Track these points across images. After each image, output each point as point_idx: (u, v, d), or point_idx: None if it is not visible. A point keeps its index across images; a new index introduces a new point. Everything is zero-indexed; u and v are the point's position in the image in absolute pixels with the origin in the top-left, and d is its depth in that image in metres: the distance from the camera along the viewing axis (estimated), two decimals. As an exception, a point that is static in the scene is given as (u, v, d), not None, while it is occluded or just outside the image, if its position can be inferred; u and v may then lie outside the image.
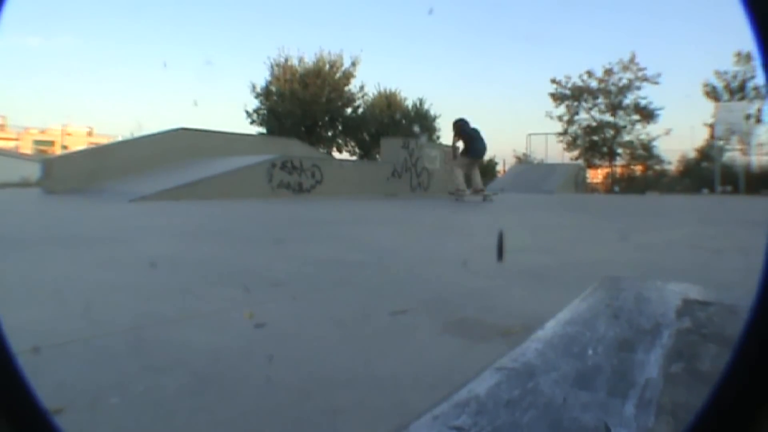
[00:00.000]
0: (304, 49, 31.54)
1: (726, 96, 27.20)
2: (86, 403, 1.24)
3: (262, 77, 27.86)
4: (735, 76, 26.95)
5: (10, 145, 47.47)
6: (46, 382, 1.36)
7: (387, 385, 1.35)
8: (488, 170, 34.03)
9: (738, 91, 26.88)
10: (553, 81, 30.15)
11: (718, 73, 27.29)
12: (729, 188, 23.70)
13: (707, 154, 28.04)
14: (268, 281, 2.64)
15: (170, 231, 5.17)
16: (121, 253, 3.58)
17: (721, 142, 25.84)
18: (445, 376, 1.42)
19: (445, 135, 28.52)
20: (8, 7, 0.51)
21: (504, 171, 28.76)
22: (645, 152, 29.93)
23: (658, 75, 28.59)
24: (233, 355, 1.57)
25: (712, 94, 27.78)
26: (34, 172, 21.46)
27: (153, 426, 1.13)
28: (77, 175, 10.74)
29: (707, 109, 29.31)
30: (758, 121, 25.89)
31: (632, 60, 28.61)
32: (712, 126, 26.67)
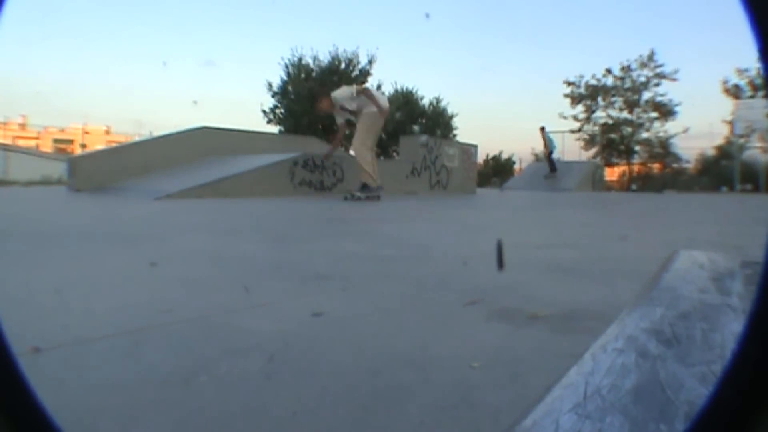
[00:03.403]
0: (318, 48, 31.60)
1: (749, 92, 27.01)
2: (180, 380, 1.38)
3: (275, 76, 27.90)
4: (759, 73, 26.72)
5: (31, 144, 48.17)
6: (138, 363, 1.51)
7: (446, 365, 1.49)
8: (505, 168, 34.12)
9: (762, 87, 26.68)
10: (567, 82, 30.10)
11: (740, 71, 27.09)
12: (749, 186, 23.57)
13: (726, 151, 27.89)
14: (313, 275, 2.79)
15: (202, 228, 5.33)
16: (161, 249, 3.73)
17: (741, 140, 25.68)
18: (498, 357, 1.56)
19: (462, 133, 28.60)
20: (8, 8, 0.50)
21: (521, 169, 28.78)
22: (663, 150, 29.82)
23: (676, 71, 28.47)
24: (300, 340, 1.71)
25: (732, 91, 27.59)
26: (54, 170, 21.83)
27: (244, 400, 1.27)
28: (102, 174, 10.95)
29: (726, 106, 29.08)
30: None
31: (651, 57, 28.51)
32: (731, 123, 26.52)
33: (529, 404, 0.52)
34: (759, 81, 26.85)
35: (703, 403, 0.41)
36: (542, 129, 22.14)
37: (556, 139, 23.26)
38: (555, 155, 22.68)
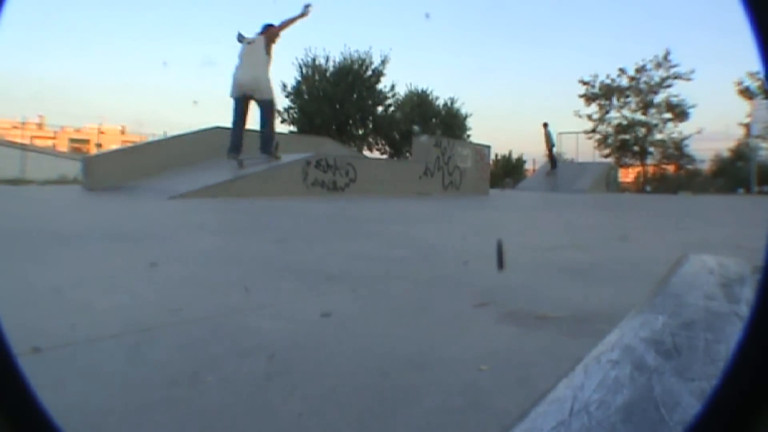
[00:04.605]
0: (330, 48, 31.65)
1: (761, 96, 26.66)
2: (186, 381, 1.38)
3: (285, 76, 27.84)
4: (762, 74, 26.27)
5: (48, 143, 48.67)
6: (146, 362, 1.51)
7: (455, 367, 1.48)
8: (516, 169, 33.92)
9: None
10: (582, 82, 29.88)
11: (752, 75, 26.67)
12: (767, 188, 23.27)
13: (742, 153, 27.57)
14: (323, 275, 2.79)
15: (215, 228, 5.35)
16: (173, 248, 3.75)
17: (757, 141, 25.37)
18: (507, 360, 1.55)
19: (476, 134, 28.55)
20: (8, 7, 0.51)
21: (534, 170, 28.62)
22: (677, 151, 29.50)
23: (692, 71, 28.14)
24: (308, 340, 1.71)
25: (747, 92, 27.22)
26: (71, 169, 21.93)
27: (252, 401, 1.27)
28: (116, 173, 10.97)
29: (742, 107, 28.72)
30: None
31: (665, 56, 28.23)
32: (747, 125, 26.22)
33: (512, 420, 0.50)
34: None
35: (703, 403, 0.41)
36: (545, 125, 22.44)
37: (555, 136, 23.63)
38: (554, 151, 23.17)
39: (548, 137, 22.49)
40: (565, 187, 19.75)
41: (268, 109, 10.16)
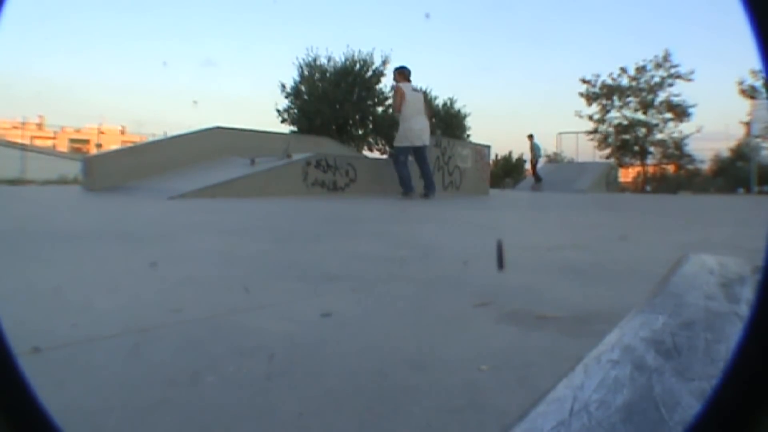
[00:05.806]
0: (332, 48, 31.52)
1: (764, 95, 26.65)
2: (187, 380, 1.38)
3: (282, 75, 27.81)
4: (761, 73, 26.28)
5: (48, 143, 48.79)
6: (146, 362, 1.52)
7: (454, 367, 1.48)
8: (516, 168, 33.92)
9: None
10: (583, 81, 29.89)
11: (754, 73, 26.63)
12: (767, 188, 23.27)
13: (742, 152, 27.58)
14: (324, 275, 2.79)
15: (215, 228, 5.35)
16: (173, 248, 3.75)
17: (758, 140, 25.36)
18: (507, 360, 1.55)
19: (475, 134, 28.48)
20: (8, 7, 0.51)
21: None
22: (677, 151, 29.51)
23: (692, 72, 28.15)
24: (308, 341, 1.71)
25: (749, 92, 27.20)
26: (70, 169, 21.97)
27: (251, 401, 1.27)
28: (116, 173, 10.98)
29: (742, 106, 28.72)
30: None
31: (666, 57, 28.24)
32: (748, 124, 26.22)
33: (512, 420, 0.50)
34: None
35: (703, 403, 0.41)
36: (530, 137, 22.40)
37: (542, 148, 23.65)
38: (539, 164, 23.09)
39: (533, 149, 22.45)
40: (565, 187, 19.76)
41: (428, 154, 11.86)
